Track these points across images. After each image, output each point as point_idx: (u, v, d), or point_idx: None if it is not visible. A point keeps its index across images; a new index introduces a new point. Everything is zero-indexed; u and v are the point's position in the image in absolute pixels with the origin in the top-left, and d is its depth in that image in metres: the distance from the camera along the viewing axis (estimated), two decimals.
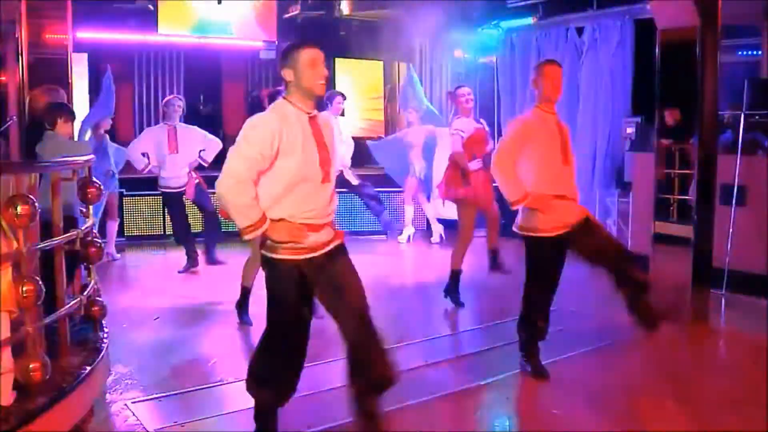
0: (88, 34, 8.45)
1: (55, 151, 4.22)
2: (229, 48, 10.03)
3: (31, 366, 2.91)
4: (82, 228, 3.75)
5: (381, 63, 10.37)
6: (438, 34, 9.37)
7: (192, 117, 8.51)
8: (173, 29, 9.35)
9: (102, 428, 3.39)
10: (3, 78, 5.23)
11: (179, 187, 6.66)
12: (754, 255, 5.57)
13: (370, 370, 2.90)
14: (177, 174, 6.63)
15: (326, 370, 3.98)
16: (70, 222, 3.87)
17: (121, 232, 8.10)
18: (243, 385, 3.89)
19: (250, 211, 2.73)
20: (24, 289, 2.86)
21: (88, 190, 3.81)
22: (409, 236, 8.73)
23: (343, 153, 6.99)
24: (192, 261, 6.79)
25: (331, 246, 2.92)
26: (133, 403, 3.62)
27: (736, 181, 5.69)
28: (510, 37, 9.11)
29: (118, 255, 7.65)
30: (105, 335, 3.90)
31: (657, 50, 5.22)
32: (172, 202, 6.77)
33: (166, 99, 6.98)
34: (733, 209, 5.66)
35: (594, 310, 5.28)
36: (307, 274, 2.87)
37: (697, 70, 4.87)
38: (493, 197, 5.52)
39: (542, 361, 4.09)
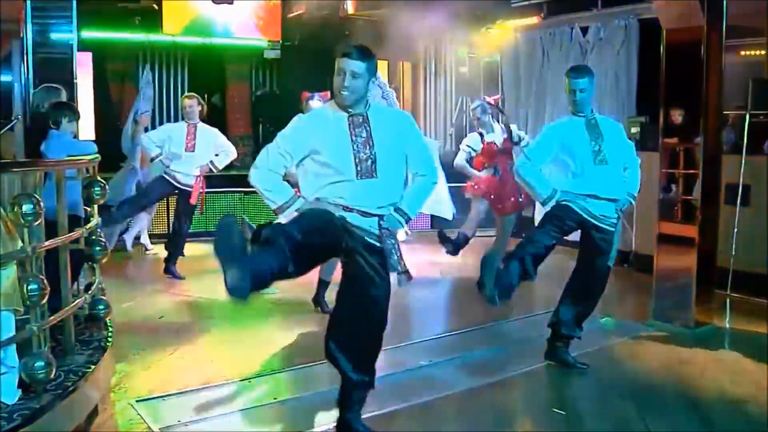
0: (92, 34, 8.47)
1: (60, 150, 4.22)
2: (233, 47, 10.03)
3: (35, 365, 2.93)
4: (87, 227, 3.77)
5: (386, 62, 10.37)
6: (443, 33, 9.37)
7: None
8: (177, 29, 9.36)
9: (106, 427, 3.39)
10: (8, 77, 5.25)
11: (183, 185, 6.54)
12: (758, 255, 5.56)
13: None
14: (187, 171, 6.50)
15: (327, 370, 3.98)
16: (75, 221, 3.88)
17: (125, 231, 8.12)
18: (247, 384, 3.94)
19: (275, 195, 2.93)
20: (29, 287, 2.88)
21: (93, 189, 3.82)
22: None
23: None
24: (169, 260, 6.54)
25: (370, 239, 2.93)
26: (137, 402, 3.63)
27: (741, 181, 5.67)
28: (515, 36, 9.10)
29: (151, 247, 7.74)
30: (109, 334, 3.91)
31: (662, 50, 5.21)
32: (160, 182, 6.56)
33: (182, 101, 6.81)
34: (737, 209, 5.65)
35: (595, 310, 5.26)
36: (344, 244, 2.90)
37: (702, 69, 4.86)
38: (511, 205, 5.96)
39: (542, 360, 4.18)
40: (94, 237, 3.91)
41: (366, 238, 2.94)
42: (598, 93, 7.91)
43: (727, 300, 5.57)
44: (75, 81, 5.24)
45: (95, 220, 3.92)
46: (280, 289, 6.16)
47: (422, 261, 7.04)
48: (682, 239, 5.02)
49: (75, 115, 4.60)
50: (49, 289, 2.98)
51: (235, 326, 5.13)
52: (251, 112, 10.55)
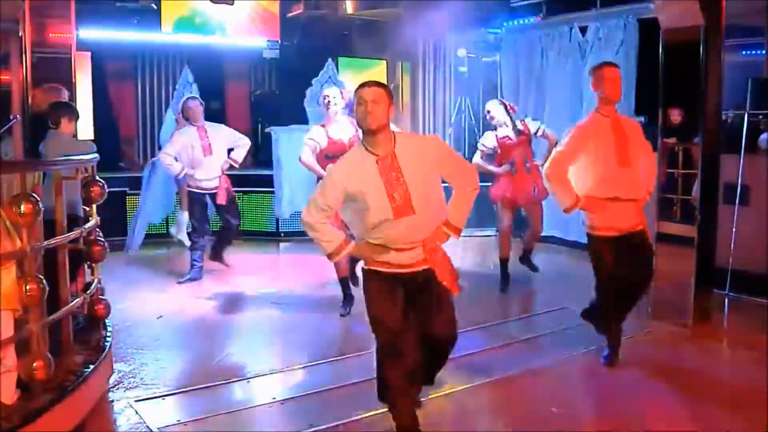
0: (91, 33, 8.45)
1: (59, 149, 4.22)
2: (232, 47, 10.03)
3: (34, 364, 2.93)
4: (86, 227, 3.77)
5: (384, 62, 10.37)
6: (441, 33, 9.36)
7: None
8: (176, 28, 9.35)
9: (105, 427, 3.40)
10: (6, 76, 5.24)
11: (209, 189, 6.46)
12: (757, 255, 5.56)
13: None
14: (211, 175, 6.43)
15: (327, 370, 3.99)
16: (74, 220, 3.88)
17: (124, 231, 8.11)
18: (246, 383, 3.94)
19: (327, 244, 3.12)
20: (27, 287, 2.88)
21: (92, 189, 3.82)
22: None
23: None
24: (195, 272, 6.56)
25: (419, 269, 3.08)
26: (136, 401, 3.63)
27: (740, 180, 5.68)
28: (514, 36, 9.10)
29: (188, 242, 7.70)
30: (108, 334, 3.91)
31: (661, 50, 5.21)
32: (198, 203, 6.52)
33: (183, 103, 6.66)
34: (736, 209, 5.65)
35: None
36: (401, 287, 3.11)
37: (700, 69, 4.86)
38: (533, 199, 5.95)
39: (542, 360, 4.20)
40: (93, 237, 3.91)
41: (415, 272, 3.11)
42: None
43: (726, 300, 5.57)
44: (74, 81, 5.23)
45: (94, 219, 3.92)
46: (277, 289, 6.19)
47: None
48: (681, 239, 5.02)
49: (74, 115, 4.60)
50: (48, 288, 2.98)
51: (235, 326, 5.13)
52: (250, 111, 10.55)
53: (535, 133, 6.05)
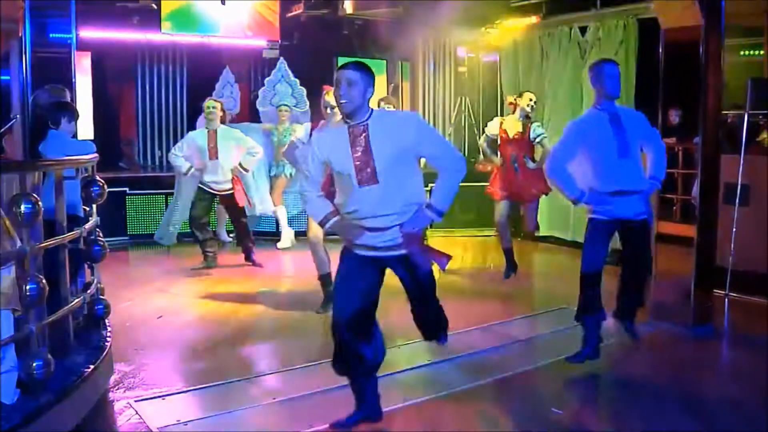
0: (91, 33, 8.46)
1: (59, 149, 4.23)
2: (232, 47, 10.03)
3: (34, 364, 2.93)
4: (86, 227, 3.77)
5: (384, 62, 10.37)
6: (442, 33, 9.36)
7: (194, 116, 8.54)
8: (176, 28, 9.35)
9: (105, 427, 3.40)
10: (6, 77, 5.24)
11: (219, 191, 6.68)
12: (757, 255, 5.56)
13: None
14: (218, 179, 6.62)
15: (327, 370, 3.98)
16: (74, 220, 3.88)
17: (124, 231, 8.12)
18: (246, 383, 3.94)
19: (318, 211, 3.21)
20: (27, 287, 2.88)
21: (92, 189, 3.82)
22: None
23: None
24: (208, 260, 6.82)
25: (394, 253, 3.09)
26: (136, 401, 3.62)
27: (740, 180, 5.68)
28: (513, 36, 9.10)
29: (229, 238, 7.82)
30: (108, 334, 3.91)
31: (660, 50, 5.21)
32: (203, 200, 6.73)
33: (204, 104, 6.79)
34: (736, 209, 5.65)
35: None
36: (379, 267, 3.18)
37: (700, 69, 4.86)
38: (528, 197, 6.10)
39: (542, 360, 4.20)
40: (93, 237, 3.91)
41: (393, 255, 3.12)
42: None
43: (726, 299, 5.57)
44: (73, 80, 5.23)
45: (94, 219, 3.92)
46: (276, 289, 6.19)
47: None
48: (681, 239, 5.02)
49: (74, 115, 4.60)
50: (47, 288, 2.98)
51: (234, 326, 5.13)
52: (249, 111, 10.55)
53: (533, 139, 6.10)
